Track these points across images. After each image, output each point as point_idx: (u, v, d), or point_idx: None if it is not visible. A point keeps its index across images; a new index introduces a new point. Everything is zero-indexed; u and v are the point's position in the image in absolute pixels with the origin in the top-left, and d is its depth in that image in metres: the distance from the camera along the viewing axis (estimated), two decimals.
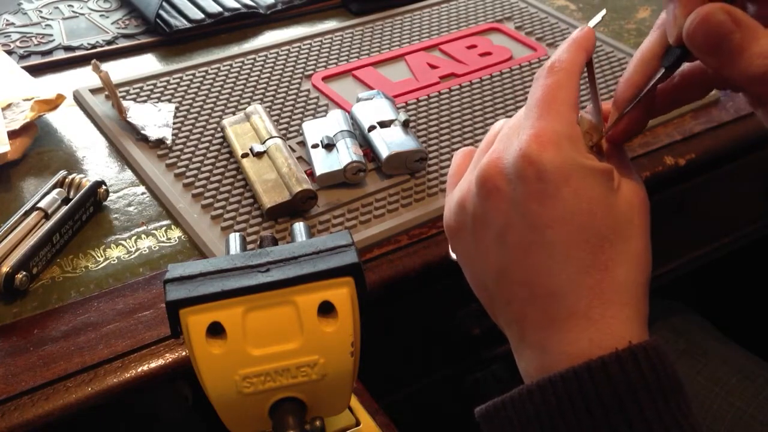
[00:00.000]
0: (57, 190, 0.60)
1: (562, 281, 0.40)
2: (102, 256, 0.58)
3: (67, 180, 0.61)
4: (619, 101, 0.44)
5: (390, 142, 0.65)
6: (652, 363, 0.37)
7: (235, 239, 0.44)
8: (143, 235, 0.60)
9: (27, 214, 0.57)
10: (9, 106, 0.67)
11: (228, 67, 0.78)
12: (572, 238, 0.39)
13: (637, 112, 0.44)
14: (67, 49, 0.82)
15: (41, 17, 0.87)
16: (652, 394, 0.37)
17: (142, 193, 0.64)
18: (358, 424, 0.47)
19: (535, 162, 0.40)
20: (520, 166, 0.40)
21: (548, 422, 0.38)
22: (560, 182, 0.39)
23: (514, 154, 0.40)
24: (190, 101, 0.73)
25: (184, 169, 0.65)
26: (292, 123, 0.71)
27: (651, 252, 0.42)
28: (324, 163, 0.64)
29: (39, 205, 0.58)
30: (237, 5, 0.87)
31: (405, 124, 0.67)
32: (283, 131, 0.70)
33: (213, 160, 0.66)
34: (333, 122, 0.68)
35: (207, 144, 0.68)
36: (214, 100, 0.74)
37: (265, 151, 0.64)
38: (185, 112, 0.72)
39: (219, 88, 0.75)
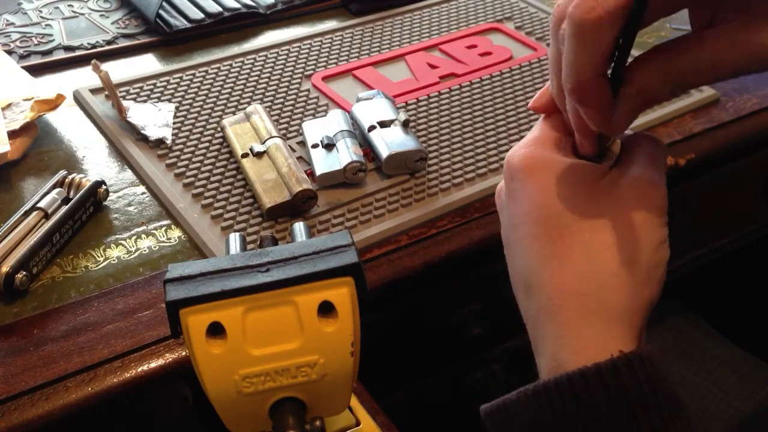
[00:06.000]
0: (57, 190, 0.60)
1: (530, 275, 0.41)
2: (102, 256, 0.58)
3: (67, 180, 0.61)
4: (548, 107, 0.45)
5: (390, 142, 0.65)
6: (635, 374, 0.37)
7: (235, 239, 0.44)
8: (143, 235, 0.60)
9: (27, 214, 0.57)
10: (9, 106, 0.67)
11: (228, 67, 0.78)
12: (536, 230, 0.41)
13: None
14: (67, 49, 0.82)
15: (41, 17, 0.87)
16: (642, 404, 0.36)
17: (142, 193, 0.64)
18: (358, 424, 0.47)
19: (509, 164, 0.43)
20: (504, 173, 0.44)
21: (544, 427, 0.38)
22: (526, 178, 0.42)
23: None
24: (190, 101, 0.73)
25: (184, 169, 0.65)
26: (292, 123, 0.71)
27: (645, 245, 0.40)
28: (324, 163, 0.64)
29: (39, 205, 0.58)
30: (237, 5, 0.87)
31: (405, 124, 0.67)
32: (283, 131, 0.70)
33: (213, 160, 0.66)
34: (333, 122, 0.68)
35: (207, 144, 0.68)
36: (214, 100, 0.74)
37: (265, 151, 0.65)
38: (185, 112, 0.72)
39: (219, 88, 0.75)
